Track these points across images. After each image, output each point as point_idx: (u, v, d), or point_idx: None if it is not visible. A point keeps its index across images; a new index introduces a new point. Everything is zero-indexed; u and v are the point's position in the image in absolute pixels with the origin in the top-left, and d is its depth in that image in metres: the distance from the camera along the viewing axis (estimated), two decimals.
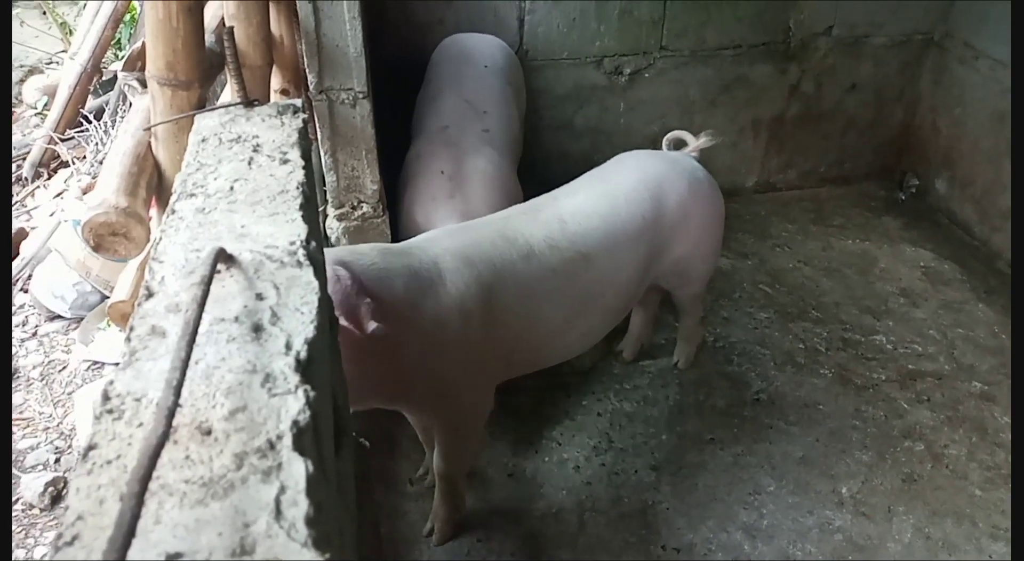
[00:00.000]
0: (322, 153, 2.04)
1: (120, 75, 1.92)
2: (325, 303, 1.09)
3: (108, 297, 2.61)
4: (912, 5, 3.16)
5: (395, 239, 2.20)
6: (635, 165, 2.10)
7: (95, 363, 2.69)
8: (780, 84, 3.25)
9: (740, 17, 3.05)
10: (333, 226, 2.13)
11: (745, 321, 2.79)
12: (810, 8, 3.09)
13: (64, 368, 2.71)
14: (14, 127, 4.02)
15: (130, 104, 1.88)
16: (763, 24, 3.10)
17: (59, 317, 2.93)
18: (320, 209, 2.19)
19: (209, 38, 1.73)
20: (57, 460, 2.39)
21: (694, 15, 3.02)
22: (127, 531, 0.65)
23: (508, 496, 2.16)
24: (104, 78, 3.92)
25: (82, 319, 2.87)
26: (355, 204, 2.12)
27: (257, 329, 0.94)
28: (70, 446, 2.42)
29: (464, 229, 1.82)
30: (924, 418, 2.41)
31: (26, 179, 3.59)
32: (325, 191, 2.11)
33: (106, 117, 3.68)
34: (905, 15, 3.18)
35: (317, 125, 1.99)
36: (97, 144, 3.57)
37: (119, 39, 4.10)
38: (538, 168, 3.20)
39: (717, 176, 3.44)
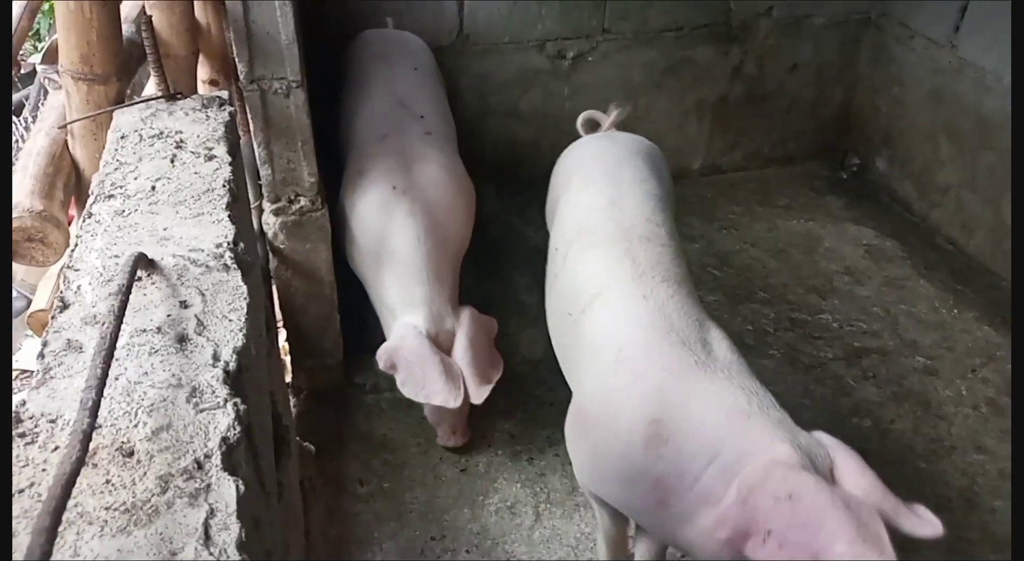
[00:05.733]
0: (256, 145, 1.96)
1: (39, 68, 1.81)
2: (256, 307, 1.04)
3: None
4: None
5: (335, 234, 2.14)
6: (626, 147, 2.06)
7: (23, 372, 2.57)
8: (723, 66, 3.26)
9: None
10: (270, 221, 2.05)
11: None
12: None
13: None
14: None
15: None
16: (704, 6, 3.09)
17: None
18: (255, 204, 2.11)
19: (129, 28, 1.64)
20: None
21: None
22: None
23: (462, 491, 2.12)
24: (23, 71, 3.72)
25: None
26: (292, 198, 2.05)
27: (182, 339, 0.89)
28: None
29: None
30: (870, 394, 2.45)
31: None
32: (260, 185, 2.04)
33: (26, 113, 3.50)
34: None
35: (250, 116, 1.91)
36: (17, 142, 3.39)
37: (37, 30, 3.91)
38: (486, 154, 3.16)
39: None
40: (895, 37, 3.18)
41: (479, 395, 1.97)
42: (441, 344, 1.99)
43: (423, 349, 1.94)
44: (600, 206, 1.84)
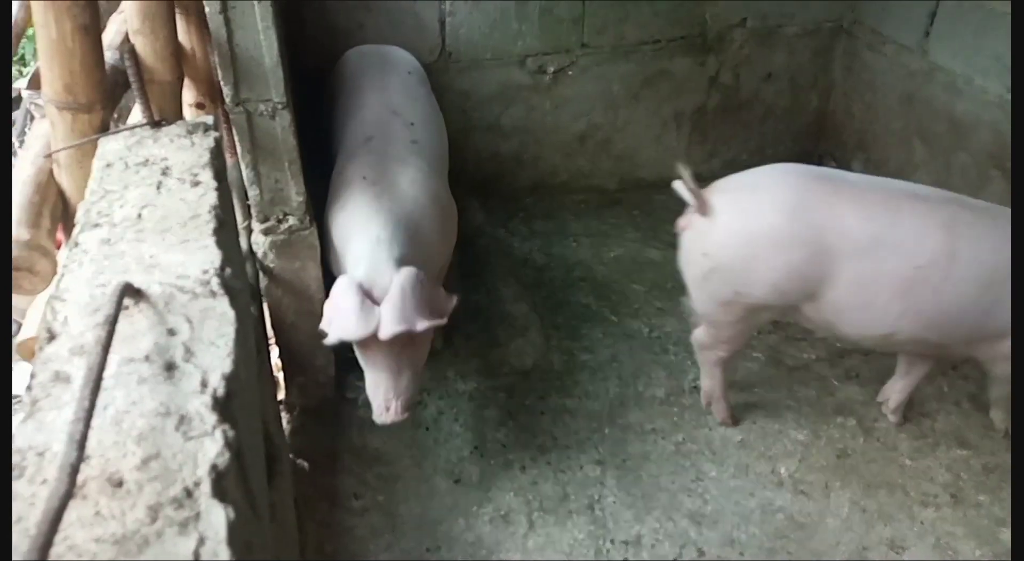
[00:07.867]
0: (243, 167, 1.98)
1: (25, 94, 1.82)
2: (244, 331, 1.06)
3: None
4: None
5: (323, 251, 2.16)
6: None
7: (13, 397, 2.56)
8: (700, 76, 3.31)
9: (657, 12, 3.09)
10: (259, 241, 2.07)
11: (679, 310, 2.82)
12: (724, 1, 3.15)
13: None
14: None
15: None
16: (679, 18, 3.15)
17: None
18: (244, 224, 2.14)
19: (113, 55, 1.66)
20: None
21: (612, 11, 3.04)
22: None
23: (455, 502, 2.14)
24: None
25: None
26: (280, 217, 2.07)
27: (169, 367, 0.91)
28: None
29: None
30: (854, 394, 2.49)
31: None
32: (249, 205, 2.06)
33: (12, 138, 3.50)
34: (814, 4, 3.26)
35: (236, 138, 1.93)
36: None
37: (23, 55, 3.91)
38: (469, 169, 3.19)
39: (643, 169, 3.50)
40: (867, 44, 3.23)
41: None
42: (376, 300, 1.87)
43: (348, 285, 1.85)
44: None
